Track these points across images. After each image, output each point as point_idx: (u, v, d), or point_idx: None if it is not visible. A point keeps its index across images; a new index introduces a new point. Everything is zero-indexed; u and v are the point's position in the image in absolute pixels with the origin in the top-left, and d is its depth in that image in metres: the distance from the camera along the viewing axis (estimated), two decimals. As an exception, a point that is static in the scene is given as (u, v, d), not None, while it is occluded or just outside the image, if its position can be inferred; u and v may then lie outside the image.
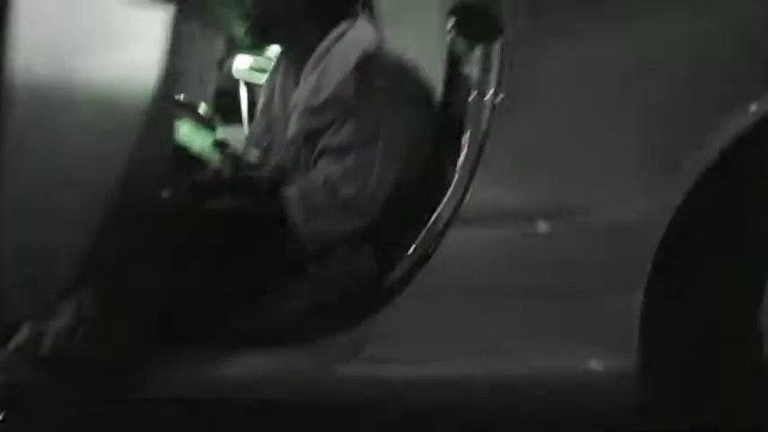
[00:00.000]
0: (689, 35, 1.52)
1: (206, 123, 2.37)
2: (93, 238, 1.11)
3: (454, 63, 1.74)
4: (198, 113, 2.39)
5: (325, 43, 1.79)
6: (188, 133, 2.24)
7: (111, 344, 1.59)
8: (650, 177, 1.46)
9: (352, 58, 1.72)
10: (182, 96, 2.43)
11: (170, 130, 1.13)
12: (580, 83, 1.51)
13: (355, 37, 1.78)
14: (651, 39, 1.53)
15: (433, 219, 1.51)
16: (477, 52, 1.58)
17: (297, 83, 1.85)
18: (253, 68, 2.86)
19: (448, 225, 1.49)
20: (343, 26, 1.80)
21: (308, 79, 1.77)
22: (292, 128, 1.78)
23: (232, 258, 1.71)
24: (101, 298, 1.59)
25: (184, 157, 2.14)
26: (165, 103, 1.04)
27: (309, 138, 1.76)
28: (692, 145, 1.46)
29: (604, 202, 1.46)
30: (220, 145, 2.20)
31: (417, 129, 1.73)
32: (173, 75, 1.04)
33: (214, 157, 2.16)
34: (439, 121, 1.77)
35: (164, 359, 1.63)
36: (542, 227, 1.46)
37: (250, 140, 1.99)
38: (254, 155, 1.95)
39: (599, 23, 1.56)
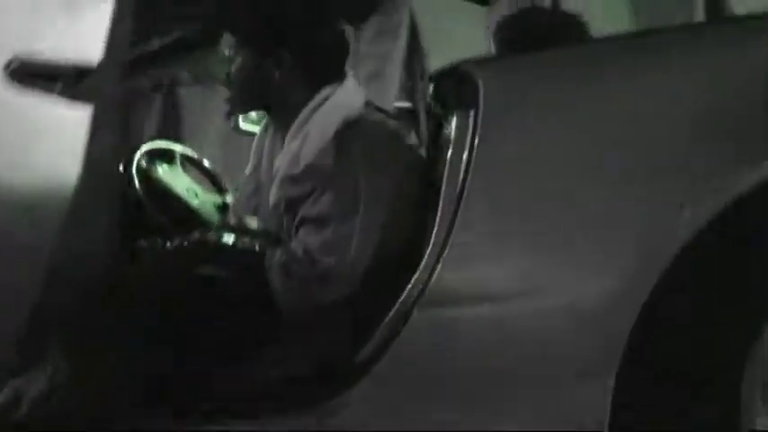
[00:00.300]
0: (666, 111, 1.48)
1: (214, 183, 2.40)
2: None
3: (437, 130, 1.72)
4: (208, 172, 2.41)
5: (308, 108, 1.77)
6: (189, 189, 2.26)
7: (83, 411, 1.59)
8: (625, 257, 1.42)
9: (332, 126, 1.71)
10: (194, 154, 2.46)
11: (104, 218, 1.11)
12: (550, 160, 1.48)
13: (337, 102, 1.76)
14: (631, 114, 1.49)
15: (403, 295, 1.48)
16: (454, 122, 1.56)
17: (283, 145, 1.84)
18: (260, 121, 2.87)
19: (416, 302, 1.45)
20: (327, 90, 1.79)
21: (290, 145, 1.76)
22: (273, 194, 1.77)
23: (210, 324, 1.70)
24: (72, 367, 1.60)
25: (182, 211, 2.16)
26: (94, 195, 1.03)
27: (290, 205, 1.74)
28: (669, 223, 1.41)
29: (575, 284, 1.41)
30: (223, 208, 2.22)
31: (400, 198, 1.69)
32: (102, 166, 1.02)
33: (212, 218, 2.18)
34: (423, 189, 1.74)
35: (141, 426, 1.62)
36: (511, 308, 1.41)
37: (238, 204, 1.98)
38: (250, 221, 1.95)
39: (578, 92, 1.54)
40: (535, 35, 1.93)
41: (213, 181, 2.45)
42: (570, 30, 1.96)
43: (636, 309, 1.38)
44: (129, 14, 1.04)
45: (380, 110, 2.91)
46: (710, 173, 1.43)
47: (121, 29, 1.00)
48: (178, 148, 2.42)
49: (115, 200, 1.26)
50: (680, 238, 1.39)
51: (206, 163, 2.49)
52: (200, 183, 2.41)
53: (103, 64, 0.98)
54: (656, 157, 1.46)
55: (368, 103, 1.84)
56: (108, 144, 1.02)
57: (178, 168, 2.38)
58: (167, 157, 2.38)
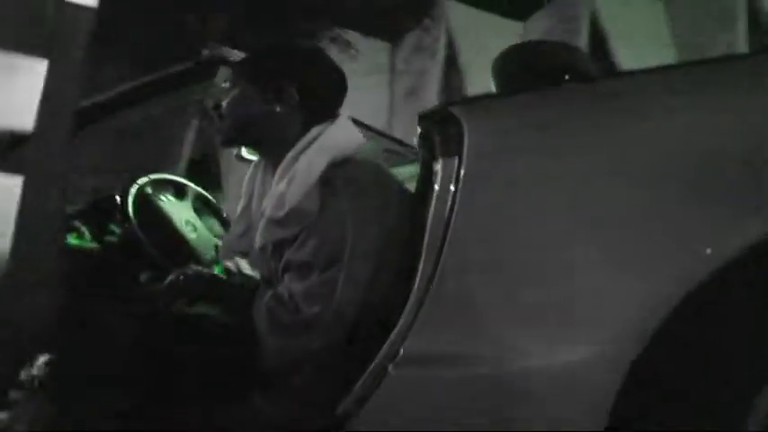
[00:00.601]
0: (676, 153, 1.41)
1: (223, 225, 2.38)
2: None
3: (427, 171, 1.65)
4: (218, 213, 2.40)
5: (297, 148, 1.72)
6: (188, 221, 2.24)
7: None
8: (616, 316, 1.35)
9: (319, 168, 1.66)
10: (207, 195, 2.46)
11: (39, 289, 1.07)
12: (539, 213, 1.41)
13: (325, 143, 1.72)
14: (636, 160, 1.42)
15: (382, 351, 1.43)
16: (439, 169, 1.50)
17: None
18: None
19: (393, 359, 1.40)
20: (317, 129, 1.75)
21: (277, 187, 1.71)
22: (260, 237, 1.73)
23: (196, 366, 1.68)
24: (53, 409, 1.59)
25: (173, 240, 2.15)
26: (27, 268, 0.99)
27: (276, 249, 1.70)
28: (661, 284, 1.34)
29: (559, 344, 1.34)
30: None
31: (388, 243, 1.62)
32: (36, 238, 0.99)
33: (206, 254, 2.16)
34: (412, 233, 1.68)
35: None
36: (491, 369, 1.35)
37: (228, 244, 1.94)
38: (241, 262, 1.92)
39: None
40: (535, 72, 1.87)
41: (222, 222, 2.45)
42: (573, 67, 1.89)
43: (625, 366, 1.32)
44: (74, 77, 1.00)
45: (398, 141, 2.87)
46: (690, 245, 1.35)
47: (61, 93, 0.97)
48: (191, 185, 2.43)
49: (52, 272, 1.23)
50: (684, 288, 1.32)
51: (213, 200, 2.48)
52: (202, 218, 2.40)
53: (38, 132, 0.94)
54: (662, 206, 1.38)
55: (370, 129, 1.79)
56: (42, 215, 0.98)
57: (187, 202, 2.37)
58: (179, 190, 2.38)
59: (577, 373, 1.32)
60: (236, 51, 2.19)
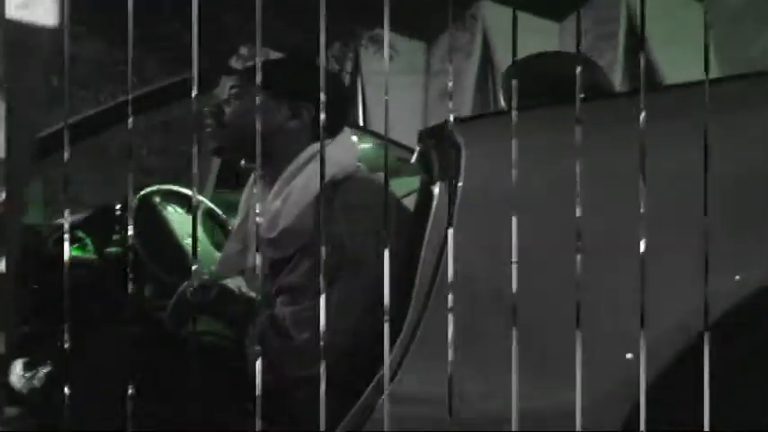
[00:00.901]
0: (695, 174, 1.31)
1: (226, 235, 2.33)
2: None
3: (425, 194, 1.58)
4: (227, 230, 2.35)
5: (295, 164, 1.67)
6: (192, 234, 2.19)
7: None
8: (617, 356, 1.26)
9: (316, 186, 1.61)
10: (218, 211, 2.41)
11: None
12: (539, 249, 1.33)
13: (326, 160, 1.65)
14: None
15: (369, 387, 1.36)
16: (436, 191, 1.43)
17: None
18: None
19: (380, 395, 1.33)
20: (317, 145, 1.69)
21: (273, 204, 1.65)
22: (253, 255, 1.68)
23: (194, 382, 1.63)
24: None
25: (172, 251, 2.10)
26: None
27: (272, 268, 1.65)
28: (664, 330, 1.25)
29: (561, 381, 1.27)
30: None
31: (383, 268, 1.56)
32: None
33: (206, 270, 2.11)
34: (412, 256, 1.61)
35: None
36: (491, 408, 1.27)
37: (224, 262, 1.88)
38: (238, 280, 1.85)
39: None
40: (548, 86, 1.78)
41: (224, 230, 2.40)
42: (589, 82, 1.79)
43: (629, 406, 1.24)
44: (30, 103, 0.94)
45: (411, 150, 2.79)
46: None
47: (16, 121, 0.91)
48: (201, 198, 2.39)
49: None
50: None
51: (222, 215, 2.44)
52: (210, 232, 2.36)
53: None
54: (672, 234, 1.29)
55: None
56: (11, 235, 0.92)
57: (197, 217, 2.33)
58: (188, 202, 2.33)
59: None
60: (276, 53, 2.15)
